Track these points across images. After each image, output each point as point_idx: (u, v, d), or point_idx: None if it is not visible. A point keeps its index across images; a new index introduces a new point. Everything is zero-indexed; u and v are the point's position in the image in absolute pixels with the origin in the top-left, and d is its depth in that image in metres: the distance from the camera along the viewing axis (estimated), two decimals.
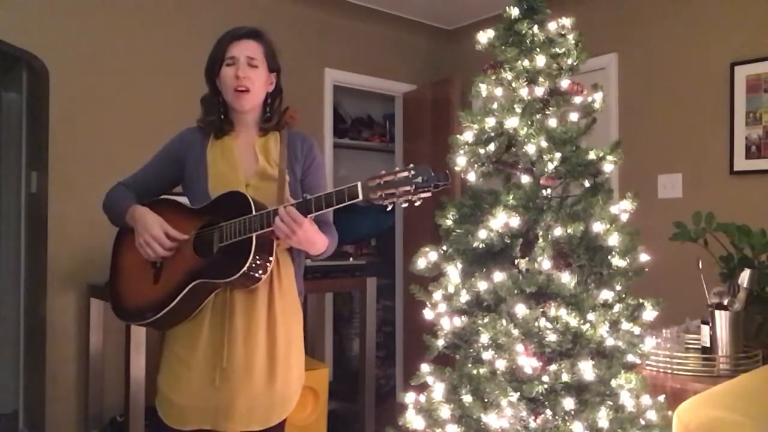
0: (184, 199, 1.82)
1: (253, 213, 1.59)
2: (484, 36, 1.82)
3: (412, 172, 1.42)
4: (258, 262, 1.60)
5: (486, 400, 1.61)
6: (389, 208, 1.48)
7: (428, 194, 1.43)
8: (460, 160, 1.78)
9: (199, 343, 1.69)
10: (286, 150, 1.80)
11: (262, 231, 1.58)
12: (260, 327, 1.69)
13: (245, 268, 1.57)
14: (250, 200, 1.62)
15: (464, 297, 1.71)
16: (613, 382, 1.60)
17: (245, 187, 1.72)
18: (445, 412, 1.69)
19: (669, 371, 2.12)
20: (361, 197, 1.47)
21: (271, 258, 1.65)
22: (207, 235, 1.68)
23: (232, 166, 1.75)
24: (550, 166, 1.65)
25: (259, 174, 1.76)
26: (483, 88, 1.79)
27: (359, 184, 1.47)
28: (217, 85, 1.80)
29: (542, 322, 1.58)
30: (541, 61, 1.72)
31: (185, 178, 1.83)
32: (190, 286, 1.63)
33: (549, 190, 1.73)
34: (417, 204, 1.46)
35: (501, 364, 1.61)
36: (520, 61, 1.73)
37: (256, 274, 1.62)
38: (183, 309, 1.68)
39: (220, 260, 1.63)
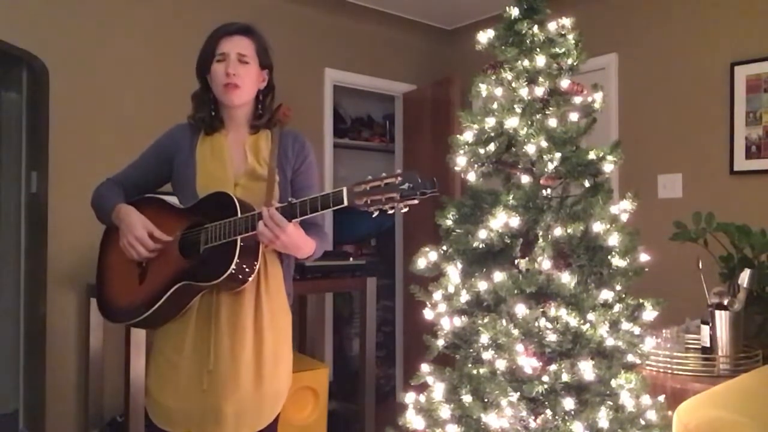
0: (173, 199, 1.80)
1: (238, 215, 1.57)
2: (484, 36, 1.82)
3: (399, 179, 1.39)
4: (243, 265, 1.58)
5: (486, 400, 1.61)
6: (374, 215, 1.45)
7: (415, 202, 1.40)
8: (460, 160, 1.78)
9: (185, 344, 1.67)
10: (277, 149, 1.77)
11: (246, 235, 1.56)
12: (247, 329, 1.67)
13: (229, 271, 1.55)
14: (236, 201, 1.60)
15: (464, 297, 1.70)
16: (613, 382, 1.59)
17: (234, 187, 1.70)
18: (445, 412, 1.69)
19: (669, 371, 2.13)
20: (346, 203, 1.45)
21: (256, 261, 1.62)
22: (193, 236, 1.66)
23: (222, 165, 1.73)
24: (550, 166, 1.65)
25: (249, 173, 1.74)
26: (483, 88, 1.79)
27: (344, 189, 1.45)
28: (208, 82, 1.78)
29: (542, 322, 1.58)
30: (541, 61, 1.71)
31: (174, 176, 1.80)
32: (175, 287, 1.61)
33: (549, 190, 1.73)
34: (404, 211, 1.43)
35: (501, 364, 1.61)
36: (520, 61, 1.73)
37: (242, 277, 1.59)
38: (168, 311, 1.67)
39: (205, 262, 1.61)
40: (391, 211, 1.43)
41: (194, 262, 1.63)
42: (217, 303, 1.67)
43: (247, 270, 1.60)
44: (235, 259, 1.55)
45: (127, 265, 1.74)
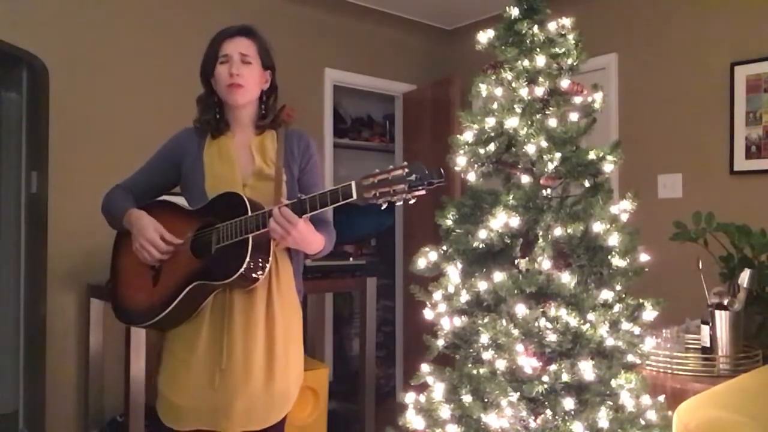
0: (181, 200, 1.82)
1: (249, 214, 1.60)
2: (484, 36, 1.82)
3: (406, 170, 1.42)
4: (255, 263, 1.60)
5: (486, 400, 1.61)
6: (383, 207, 1.47)
7: (423, 192, 1.42)
8: (460, 160, 1.79)
9: (198, 343, 1.69)
10: (283, 148, 1.80)
11: (258, 232, 1.58)
12: (259, 327, 1.69)
13: (242, 269, 1.57)
14: (246, 201, 1.62)
15: (464, 297, 1.71)
16: (613, 382, 1.60)
17: (242, 188, 1.72)
18: (445, 412, 1.69)
19: (669, 371, 2.13)
20: (355, 197, 1.46)
21: (268, 258, 1.65)
22: (205, 237, 1.69)
23: (230, 167, 1.76)
24: (550, 166, 1.65)
25: (256, 174, 1.76)
26: (483, 88, 1.79)
27: (353, 183, 1.47)
28: (212, 85, 1.80)
29: (542, 322, 1.58)
30: (541, 61, 1.72)
31: (182, 179, 1.83)
32: (189, 288, 1.64)
33: (549, 190, 1.73)
34: (411, 202, 1.45)
35: (501, 364, 1.61)
36: (520, 61, 1.73)
37: (254, 275, 1.62)
38: (182, 311, 1.68)
39: (218, 262, 1.63)
40: (399, 203, 1.44)
41: (207, 262, 1.65)
42: (230, 302, 1.69)
43: (257, 268, 1.62)
44: (248, 257, 1.57)
45: (141, 268, 1.76)
